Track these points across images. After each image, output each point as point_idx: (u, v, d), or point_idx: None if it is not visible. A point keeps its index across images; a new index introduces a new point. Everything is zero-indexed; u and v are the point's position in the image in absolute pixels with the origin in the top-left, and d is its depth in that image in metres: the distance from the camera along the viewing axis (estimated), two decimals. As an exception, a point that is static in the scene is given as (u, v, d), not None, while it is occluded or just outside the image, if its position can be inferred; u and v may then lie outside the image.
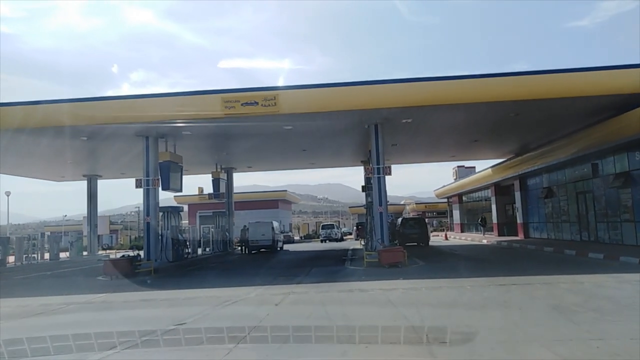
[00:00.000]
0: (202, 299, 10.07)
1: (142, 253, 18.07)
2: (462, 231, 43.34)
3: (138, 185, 18.56)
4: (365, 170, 17.89)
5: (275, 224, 28.63)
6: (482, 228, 32.28)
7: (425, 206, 56.71)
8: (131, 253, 17.69)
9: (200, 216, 54.19)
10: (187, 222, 56.27)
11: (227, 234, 27.62)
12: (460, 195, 43.53)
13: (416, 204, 57.94)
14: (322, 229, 45.56)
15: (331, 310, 7.32)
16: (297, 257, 23.10)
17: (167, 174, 19.66)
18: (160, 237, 19.48)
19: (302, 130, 19.87)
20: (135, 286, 13.15)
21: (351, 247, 28.88)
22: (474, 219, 41.43)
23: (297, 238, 61.51)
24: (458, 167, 45.19)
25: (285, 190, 57.31)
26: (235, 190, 62.09)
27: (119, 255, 18.44)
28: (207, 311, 8.04)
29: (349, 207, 68.32)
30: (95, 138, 19.21)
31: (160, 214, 19.98)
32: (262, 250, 27.38)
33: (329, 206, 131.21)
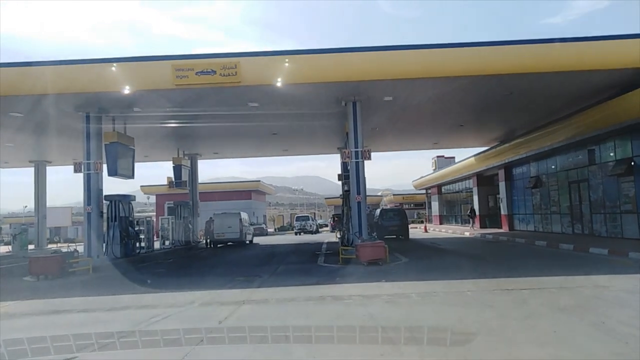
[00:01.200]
0: (128, 312, 7.73)
1: (81, 248, 15.52)
2: (440, 223, 41.81)
3: (77, 169, 15.90)
4: (342, 154, 15.69)
5: (244, 215, 26.26)
6: (471, 220, 30.51)
7: (403, 197, 55.10)
8: (65, 249, 15.07)
9: (168, 207, 51.04)
10: (155, 214, 53.30)
11: (190, 226, 25.09)
12: (439, 186, 41.92)
13: (394, 195, 56.29)
14: (296, 220, 43.30)
15: (293, 335, 5.12)
16: (265, 252, 20.82)
17: (115, 157, 17.07)
18: (110, 230, 16.97)
19: (270, 110, 17.51)
20: (56, 290, 10.67)
21: (326, 241, 26.77)
22: (453, 210, 39.93)
23: (271, 230, 59.29)
24: (437, 157, 43.60)
25: (259, 181, 54.77)
26: (210, 181, 59.04)
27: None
28: (124, 331, 5.74)
29: (325, 199, 66.24)
30: (32, 115, 16.42)
31: (107, 203, 17.39)
32: (230, 244, 25.01)
33: (305, 198, 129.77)
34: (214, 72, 13.43)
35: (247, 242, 26.88)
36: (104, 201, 17.34)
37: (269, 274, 12.10)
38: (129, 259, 16.87)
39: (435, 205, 43.98)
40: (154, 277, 12.70)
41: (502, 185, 27.42)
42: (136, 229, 18.87)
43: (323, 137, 23.06)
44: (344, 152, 15.58)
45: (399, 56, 13.63)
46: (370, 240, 13.91)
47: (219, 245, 24.85)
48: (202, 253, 20.49)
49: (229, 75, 13.44)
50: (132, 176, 18.48)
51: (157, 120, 18.65)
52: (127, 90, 13.77)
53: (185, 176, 25.13)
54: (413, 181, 48.31)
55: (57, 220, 31.77)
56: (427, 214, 48.58)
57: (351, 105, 15.56)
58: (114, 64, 13.73)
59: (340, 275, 11.28)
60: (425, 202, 49.74)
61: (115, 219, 17.26)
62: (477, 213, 31.47)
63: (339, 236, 24.20)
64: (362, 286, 9.62)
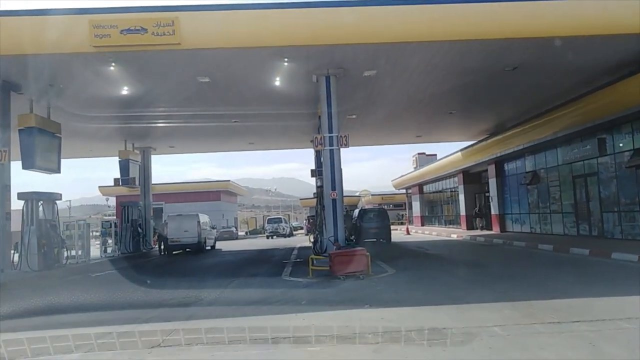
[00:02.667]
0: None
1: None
2: (422, 224, 39.30)
3: (-24, 159, 12.52)
4: (314, 141, 12.75)
5: (204, 218, 23.02)
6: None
7: (382, 198, 52.45)
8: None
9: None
10: (115, 216, 49.28)
11: (140, 230, 21.70)
12: (420, 186, 39.41)
13: (372, 195, 53.67)
14: (267, 223, 40.04)
15: None
16: (224, 261, 17.67)
17: (31, 146, 13.76)
18: (25, 235, 13.61)
19: (226, 88, 14.47)
20: None
21: (298, 245, 23.76)
22: (436, 211, 37.49)
23: (242, 234, 55.92)
24: (419, 154, 41.23)
25: (228, 180, 51.39)
26: (175, 181, 54.92)
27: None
28: None
29: (300, 199, 63.14)
30: None
31: (22, 203, 14.02)
32: (188, 250, 21.74)
33: (282, 200, 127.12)
34: (145, 30, 10.31)
35: (209, 247, 23.65)
36: (21, 200, 14.03)
37: (215, 294, 9.03)
38: (49, 272, 13.53)
39: (416, 206, 41.48)
40: (62, 298, 9.49)
41: (492, 183, 24.94)
42: (64, 234, 15.52)
43: (295, 127, 20.08)
44: (316, 138, 12.64)
45: (388, 13, 10.74)
46: (348, 247, 10.97)
47: (174, 252, 21.55)
48: (146, 263, 17.16)
49: (165, 34, 10.34)
50: (57, 170, 15.14)
51: (90, 103, 15.39)
52: (30, 52, 10.51)
53: (134, 172, 21.77)
54: (392, 180, 45.78)
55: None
56: (407, 215, 46.09)
57: (324, 81, 12.65)
58: (11, 17, 10.47)
59: (308, 296, 8.30)
60: (405, 203, 47.26)
61: (32, 223, 13.88)
62: (464, 213, 28.99)
63: (312, 240, 21.25)
64: (336, 316, 6.70)
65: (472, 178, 28.58)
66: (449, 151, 29.52)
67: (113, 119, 17.66)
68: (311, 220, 43.73)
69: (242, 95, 15.19)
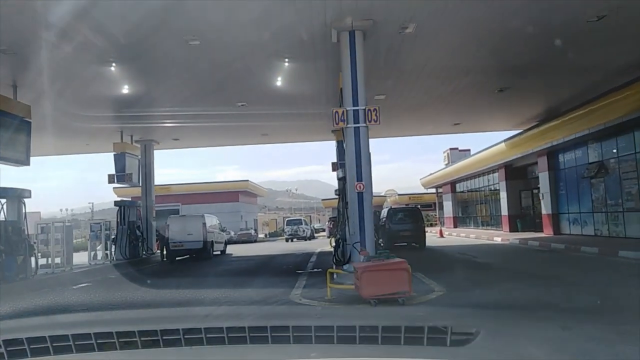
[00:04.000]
0: None
1: None
2: (455, 226, 35.83)
3: None
4: (334, 118, 9.70)
5: (211, 219, 20.30)
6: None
7: (410, 198, 49.03)
8: None
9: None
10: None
11: (139, 232, 19.09)
12: (453, 183, 35.92)
13: (399, 195, 50.35)
14: (286, 225, 37.12)
15: None
16: (226, 271, 14.80)
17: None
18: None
19: (226, 56, 11.65)
20: None
21: (318, 250, 20.81)
22: (470, 211, 33.98)
23: (262, 236, 53.35)
24: (451, 149, 37.82)
25: (247, 180, 48.86)
26: (190, 182, 52.76)
27: None
28: None
29: (322, 200, 60.19)
30: None
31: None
32: (194, 255, 19.05)
33: (305, 202, 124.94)
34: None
35: (218, 252, 20.90)
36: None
37: (184, 331, 6.10)
38: (8, 286, 10.90)
39: (448, 206, 37.98)
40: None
41: (543, 177, 21.43)
42: (37, 239, 12.95)
43: (311, 111, 17.12)
44: (336, 113, 9.62)
45: None
46: (379, 256, 7.88)
47: (177, 258, 18.86)
48: (130, 273, 14.19)
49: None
50: (25, 162, 12.57)
51: (71, 81, 12.81)
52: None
53: (131, 168, 19.19)
54: (421, 179, 42.41)
55: None
56: (437, 216, 42.60)
57: (347, 38, 9.65)
58: None
59: (321, 339, 5.30)
60: (435, 203, 43.76)
61: (-11, 225, 11.31)
62: (506, 213, 25.49)
63: (333, 244, 18.29)
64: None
65: (517, 173, 25.08)
66: (484, 146, 26.14)
67: (104, 105, 15.07)
68: (333, 222, 40.80)
69: (243, 64, 12.30)
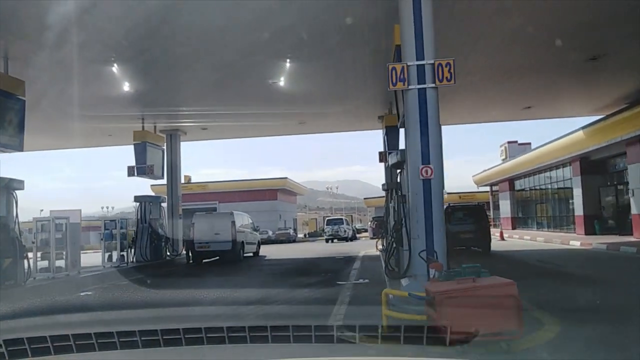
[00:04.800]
0: None
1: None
2: (513, 227, 32.19)
3: None
4: (390, 77, 7.02)
5: (242, 218, 18.07)
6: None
7: (460, 197, 45.24)
8: None
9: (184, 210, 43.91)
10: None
11: (161, 231, 17.11)
12: (511, 180, 32.30)
13: (447, 194, 46.81)
14: (326, 225, 34.53)
15: None
16: (252, 278, 12.42)
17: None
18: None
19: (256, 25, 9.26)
20: None
21: (362, 253, 18.18)
22: (531, 211, 30.31)
23: (300, 236, 51.26)
24: (509, 143, 34.20)
25: (286, 178, 46.77)
26: (226, 179, 51.34)
27: None
28: None
29: (364, 199, 57.31)
30: None
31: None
32: (219, 257, 16.91)
33: (346, 202, 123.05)
34: None
35: (250, 254, 18.68)
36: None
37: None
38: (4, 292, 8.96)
39: (505, 205, 34.36)
40: None
41: (634, 170, 17.86)
42: (36, 238, 11.05)
43: (355, 93, 14.56)
44: (393, 70, 6.96)
45: None
46: (466, 273, 5.11)
47: (205, 261, 16.76)
48: (144, 278, 12.02)
49: None
50: (17, 147, 10.66)
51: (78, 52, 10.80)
52: None
53: (154, 159, 17.24)
54: (474, 175, 38.91)
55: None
56: (492, 217, 38.87)
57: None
58: None
59: None
60: (488, 202, 40.01)
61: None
62: (581, 213, 21.92)
63: (380, 248, 15.64)
64: None
65: (595, 166, 21.45)
66: (546, 139, 22.64)
67: (119, 86, 13.08)
68: (377, 222, 37.89)
69: (274, 32, 9.88)
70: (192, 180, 48.00)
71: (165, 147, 18.47)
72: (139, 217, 16.68)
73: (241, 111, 16.24)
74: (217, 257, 16.87)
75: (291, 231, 43.08)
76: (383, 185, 13.98)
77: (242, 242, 17.31)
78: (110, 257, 14.84)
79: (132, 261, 15.61)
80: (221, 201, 45.53)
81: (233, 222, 16.55)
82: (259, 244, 20.27)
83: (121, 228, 14.89)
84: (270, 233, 40.75)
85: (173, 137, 18.99)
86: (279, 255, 19.68)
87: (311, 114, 17.37)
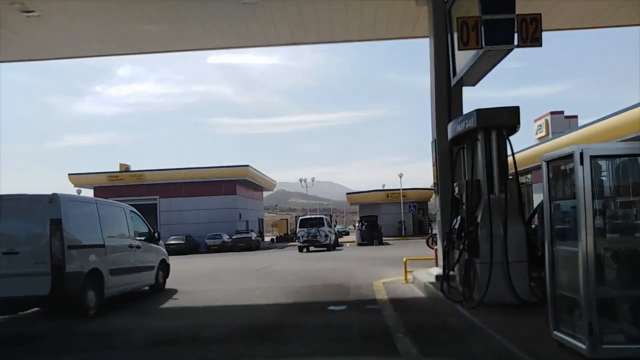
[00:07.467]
0: None
1: None
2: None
3: None
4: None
5: (85, 214, 7.64)
6: None
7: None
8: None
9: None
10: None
11: None
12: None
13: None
14: (300, 226, 24.26)
15: None
16: None
17: None
18: None
19: None
20: None
21: (380, 289, 8.32)
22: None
23: (267, 240, 41.24)
24: (552, 113, 25.20)
25: (248, 166, 36.43)
26: (170, 167, 40.51)
27: None
28: None
29: (347, 194, 47.27)
30: None
31: None
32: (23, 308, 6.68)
33: (320, 203, 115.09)
34: None
35: (133, 289, 8.55)
36: None
37: None
38: None
39: (540, 199, 25.22)
40: None
41: None
42: None
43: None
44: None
45: None
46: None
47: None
48: None
49: None
50: None
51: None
52: None
53: None
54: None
55: None
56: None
57: None
58: None
59: None
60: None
61: None
62: None
63: (435, 273, 6.08)
64: None
65: None
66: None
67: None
68: (365, 223, 28.37)
69: None
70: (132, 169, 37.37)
71: None
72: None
73: None
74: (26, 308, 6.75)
75: (253, 235, 33.03)
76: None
77: (98, 271, 7.04)
78: None
79: None
80: (163, 196, 34.99)
81: (57, 225, 6.38)
82: (164, 268, 9.64)
83: None
84: (225, 237, 30.71)
85: None
86: (206, 288, 9.67)
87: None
